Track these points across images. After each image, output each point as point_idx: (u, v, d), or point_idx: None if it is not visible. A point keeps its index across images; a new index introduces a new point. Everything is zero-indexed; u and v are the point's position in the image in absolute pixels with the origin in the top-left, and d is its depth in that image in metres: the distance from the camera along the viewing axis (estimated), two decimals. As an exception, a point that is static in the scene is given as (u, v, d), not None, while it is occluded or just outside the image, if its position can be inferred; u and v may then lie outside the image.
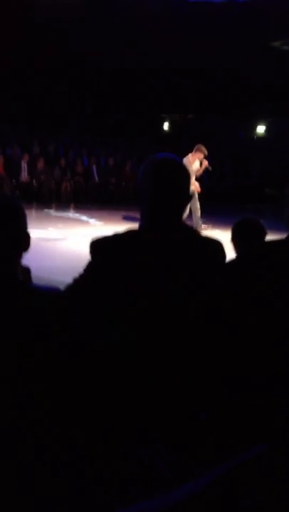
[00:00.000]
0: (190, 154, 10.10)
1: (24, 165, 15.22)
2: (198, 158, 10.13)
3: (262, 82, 17.05)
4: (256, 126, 21.54)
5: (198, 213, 10.36)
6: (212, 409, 1.76)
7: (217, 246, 1.83)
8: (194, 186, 9.84)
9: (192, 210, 10.19)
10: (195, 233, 1.83)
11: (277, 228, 3.47)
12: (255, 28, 14.75)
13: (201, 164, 10.20)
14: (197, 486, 1.39)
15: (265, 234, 3.11)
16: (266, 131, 21.54)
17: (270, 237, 2.85)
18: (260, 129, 21.67)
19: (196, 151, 10.11)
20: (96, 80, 17.15)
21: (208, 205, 10.51)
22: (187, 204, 1.89)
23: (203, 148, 10.13)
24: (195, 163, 10.07)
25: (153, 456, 1.63)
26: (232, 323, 1.74)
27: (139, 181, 1.87)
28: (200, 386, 1.72)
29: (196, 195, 10.16)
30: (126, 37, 15.48)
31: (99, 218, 12.06)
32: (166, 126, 22.54)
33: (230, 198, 16.29)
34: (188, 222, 2.54)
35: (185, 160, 9.90)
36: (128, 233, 1.80)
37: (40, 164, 15.37)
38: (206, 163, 10.19)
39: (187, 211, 9.96)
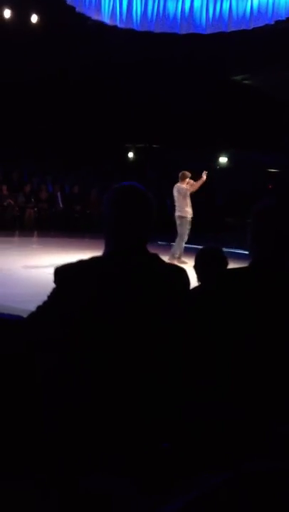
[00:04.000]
0: (178, 184, 10.36)
1: (-13, 191, 15.11)
2: (187, 183, 10.39)
3: (225, 114, 17.47)
4: (219, 157, 22.01)
5: (183, 242, 10.28)
6: (175, 438, 1.76)
7: (180, 273, 1.86)
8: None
9: (178, 234, 10.22)
10: (158, 260, 1.85)
11: (237, 257, 3.56)
12: (218, 61, 15.17)
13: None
14: None
15: (226, 262, 3.16)
16: (228, 161, 22.02)
17: (231, 265, 2.89)
18: (223, 160, 22.15)
19: (181, 178, 10.38)
20: (62, 106, 17.27)
21: (170, 233, 10.59)
22: (150, 231, 1.91)
23: (186, 173, 10.44)
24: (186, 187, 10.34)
25: (113, 489, 1.61)
26: (193, 349, 1.75)
27: (104, 209, 1.89)
28: (162, 414, 1.72)
29: (189, 220, 10.28)
30: (92, 66, 15.70)
31: (63, 245, 12.01)
32: (131, 154, 22.80)
33: (193, 226, 16.47)
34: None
35: (179, 188, 10.26)
36: (92, 260, 1.81)
37: (4, 190, 15.28)
38: (192, 182, 10.44)
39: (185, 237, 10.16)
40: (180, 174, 10.52)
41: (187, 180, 10.42)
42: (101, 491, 1.60)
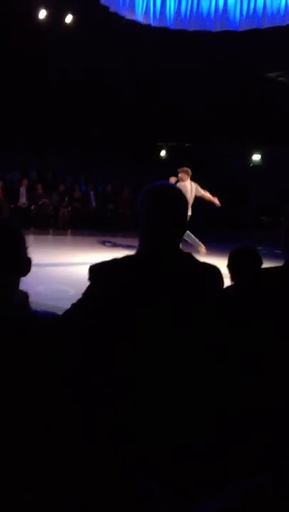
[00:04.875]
0: (192, 182, 10.17)
1: (23, 190, 15.32)
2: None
3: (258, 111, 17.29)
4: (252, 155, 21.79)
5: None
6: (210, 440, 1.75)
7: (214, 272, 1.85)
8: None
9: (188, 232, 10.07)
10: (192, 259, 1.85)
11: (272, 256, 3.53)
12: (251, 58, 15.02)
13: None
14: None
15: (261, 262, 3.13)
16: (262, 159, 21.78)
17: (265, 264, 2.87)
18: (256, 157, 21.92)
19: (189, 176, 10.20)
20: (95, 106, 17.38)
21: (204, 231, 10.56)
22: (184, 230, 1.91)
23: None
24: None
25: (151, 489, 1.61)
26: (228, 350, 1.75)
27: (138, 208, 1.90)
28: (197, 415, 1.71)
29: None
30: (125, 67, 15.73)
31: (96, 244, 12.09)
32: (163, 153, 22.77)
33: (226, 225, 16.40)
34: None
35: (194, 186, 10.06)
36: (126, 258, 1.82)
37: (39, 189, 15.48)
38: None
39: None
40: (187, 171, 10.14)
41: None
42: (137, 492, 1.61)
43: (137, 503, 1.59)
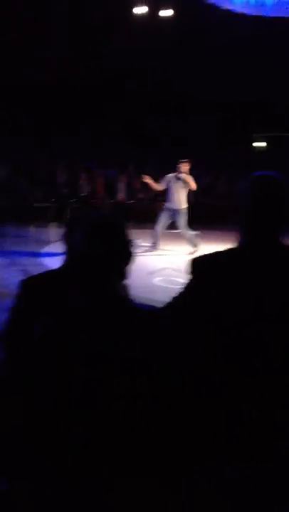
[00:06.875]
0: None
1: (122, 185, 15.62)
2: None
3: None
4: None
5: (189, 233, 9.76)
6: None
7: None
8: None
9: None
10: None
11: None
12: None
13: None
14: None
15: None
16: None
17: None
18: None
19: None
20: (190, 98, 17.34)
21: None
22: (286, 221, 1.84)
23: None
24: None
25: (224, 475, 1.60)
26: None
27: (239, 199, 1.87)
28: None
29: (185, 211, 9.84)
30: (221, 61, 15.55)
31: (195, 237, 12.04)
32: (260, 144, 22.27)
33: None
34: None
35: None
36: (228, 251, 1.79)
37: (137, 184, 15.72)
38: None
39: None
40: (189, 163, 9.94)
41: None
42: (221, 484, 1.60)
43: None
